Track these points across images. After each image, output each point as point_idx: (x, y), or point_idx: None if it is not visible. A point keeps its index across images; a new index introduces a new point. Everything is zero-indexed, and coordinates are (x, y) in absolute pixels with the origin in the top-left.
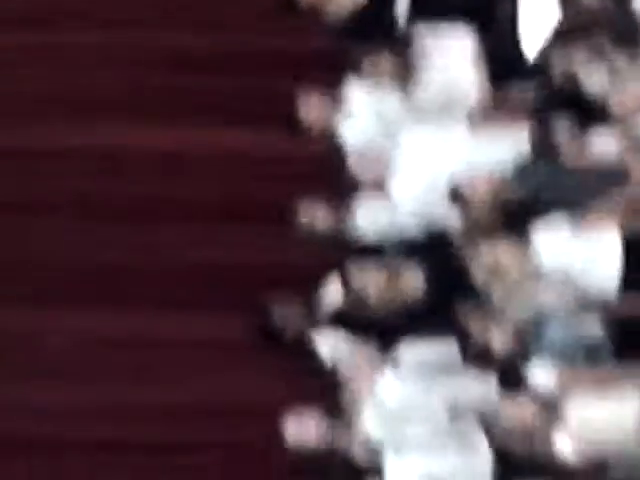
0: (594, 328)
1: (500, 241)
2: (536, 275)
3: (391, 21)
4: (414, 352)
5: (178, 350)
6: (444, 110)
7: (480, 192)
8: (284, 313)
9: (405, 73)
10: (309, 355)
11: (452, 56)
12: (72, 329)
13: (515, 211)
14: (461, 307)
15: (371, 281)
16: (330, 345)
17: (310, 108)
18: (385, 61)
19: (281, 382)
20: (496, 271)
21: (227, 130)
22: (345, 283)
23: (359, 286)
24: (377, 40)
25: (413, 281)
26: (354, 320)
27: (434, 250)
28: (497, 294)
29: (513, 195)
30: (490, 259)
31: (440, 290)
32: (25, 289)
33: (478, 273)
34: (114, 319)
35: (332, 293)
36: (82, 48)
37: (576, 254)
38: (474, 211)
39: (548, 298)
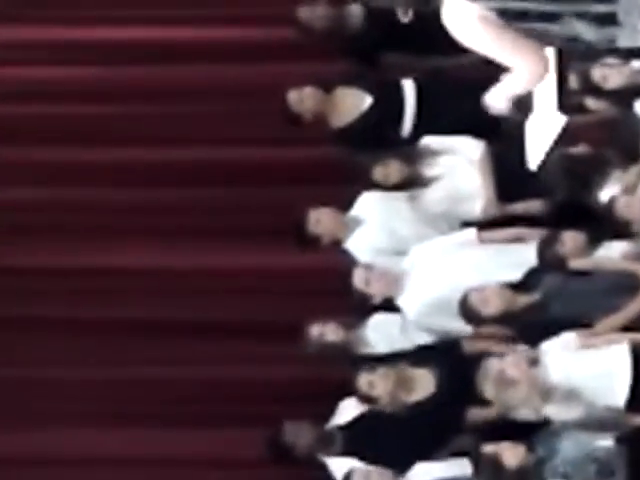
0: (606, 443)
1: (508, 354)
2: (544, 390)
3: (395, 129)
4: (427, 471)
5: (189, 468)
6: (450, 216)
7: (491, 307)
8: (296, 429)
9: (412, 180)
10: (320, 467)
11: (459, 161)
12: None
13: (524, 324)
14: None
15: (378, 381)
16: (342, 465)
17: (319, 221)
18: (393, 170)
19: None
20: (502, 383)
21: (236, 246)
22: (355, 385)
23: (366, 386)
24: (382, 148)
25: (424, 382)
26: (368, 441)
27: (445, 353)
28: (505, 408)
29: (522, 307)
30: (497, 372)
31: (452, 387)
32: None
33: (486, 386)
34: (119, 436)
35: (346, 409)
36: (84, 165)
37: (584, 369)
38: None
39: (556, 412)
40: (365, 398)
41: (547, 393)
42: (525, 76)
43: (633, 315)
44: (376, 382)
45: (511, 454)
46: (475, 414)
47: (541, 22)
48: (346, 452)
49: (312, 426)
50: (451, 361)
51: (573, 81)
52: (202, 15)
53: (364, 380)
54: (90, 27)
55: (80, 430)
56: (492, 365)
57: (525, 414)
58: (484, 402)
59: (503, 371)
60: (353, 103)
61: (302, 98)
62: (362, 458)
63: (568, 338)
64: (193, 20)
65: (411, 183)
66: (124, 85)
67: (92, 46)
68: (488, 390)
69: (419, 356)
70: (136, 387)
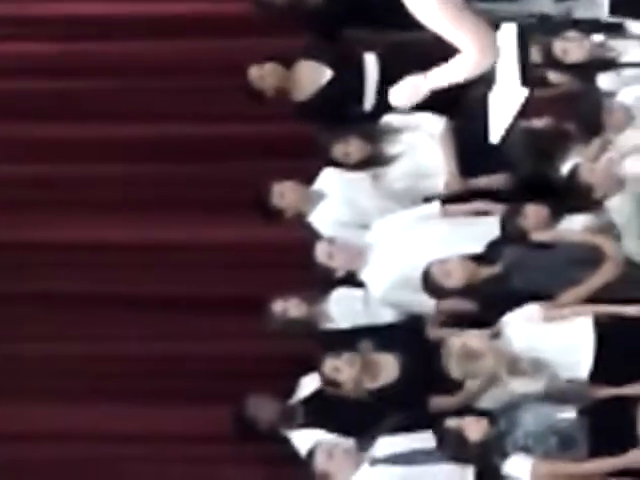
0: (567, 415)
1: (469, 329)
2: (508, 362)
3: (357, 103)
4: (391, 445)
5: (153, 443)
6: (413, 192)
7: (454, 279)
8: (257, 403)
9: (374, 158)
10: (284, 442)
11: (420, 137)
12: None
13: (487, 296)
14: (437, 392)
15: (343, 366)
16: (305, 439)
17: (283, 194)
18: (354, 148)
19: (258, 471)
20: (467, 356)
21: (200, 219)
22: (320, 370)
23: (331, 371)
24: (344, 123)
25: (389, 367)
26: (329, 413)
27: (409, 337)
28: (470, 383)
29: (485, 279)
30: (460, 346)
31: (416, 374)
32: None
33: (452, 363)
34: (84, 413)
35: (307, 384)
36: (57, 141)
37: (548, 341)
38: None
39: (521, 385)
40: (330, 383)
41: (513, 364)
42: (469, 63)
43: (595, 288)
44: (341, 367)
45: (474, 428)
46: (438, 402)
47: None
48: (308, 424)
49: (274, 400)
50: (416, 346)
51: (535, 55)
52: None
53: (329, 365)
54: (53, 2)
55: (49, 405)
56: (454, 341)
57: (487, 404)
58: (448, 389)
59: (465, 344)
60: (313, 77)
61: (263, 75)
62: (324, 428)
63: (531, 310)
64: None
65: (373, 161)
66: (94, 61)
67: (56, 22)
68: (454, 368)
69: (383, 340)
70: (104, 362)
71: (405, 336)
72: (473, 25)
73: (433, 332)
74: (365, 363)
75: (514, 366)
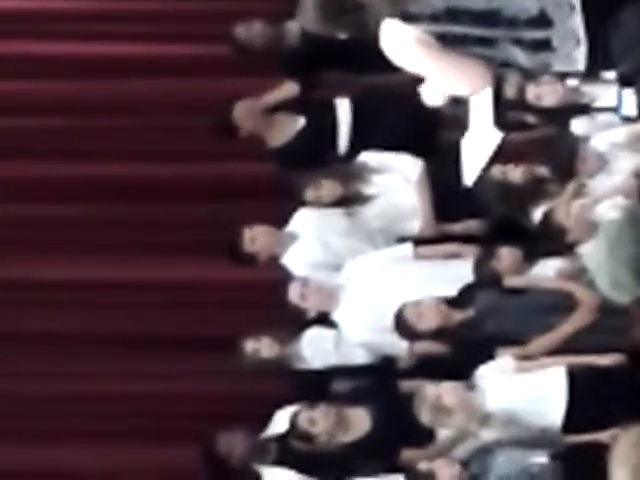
0: (540, 459)
1: (444, 381)
2: (482, 416)
3: (331, 148)
4: None
5: None
6: (387, 233)
7: (427, 322)
8: (230, 440)
9: (348, 197)
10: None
11: (395, 179)
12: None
13: (459, 340)
14: (408, 445)
15: (319, 418)
16: (277, 477)
17: (254, 240)
18: (325, 191)
19: None
20: (440, 411)
21: (171, 259)
22: (292, 419)
23: (307, 423)
24: (319, 165)
25: (360, 421)
26: (301, 456)
27: (381, 384)
28: (442, 433)
29: (457, 323)
30: (434, 398)
31: (387, 427)
32: None
33: (423, 412)
34: (55, 451)
35: (279, 424)
36: (19, 180)
37: (521, 393)
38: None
39: (493, 435)
40: (303, 437)
41: (485, 418)
42: (467, 93)
43: (568, 335)
44: (317, 419)
45: (446, 472)
46: (409, 455)
47: (478, 47)
48: (280, 462)
49: (246, 435)
50: (387, 399)
51: (510, 97)
52: (138, 31)
53: (304, 417)
54: (15, 40)
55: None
56: (428, 391)
57: (460, 453)
58: (420, 441)
59: (440, 397)
60: (287, 125)
61: (245, 115)
62: (296, 469)
63: (505, 362)
64: (130, 36)
65: (348, 200)
66: (62, 99)
67: (17, 60)
68: (424, 416)
69: (355, 394)
70: (74, 401)
71: (377, 387)
72: (458, 59)
73: (405, 385)
74: (339, 416)
75: (486, 421)
